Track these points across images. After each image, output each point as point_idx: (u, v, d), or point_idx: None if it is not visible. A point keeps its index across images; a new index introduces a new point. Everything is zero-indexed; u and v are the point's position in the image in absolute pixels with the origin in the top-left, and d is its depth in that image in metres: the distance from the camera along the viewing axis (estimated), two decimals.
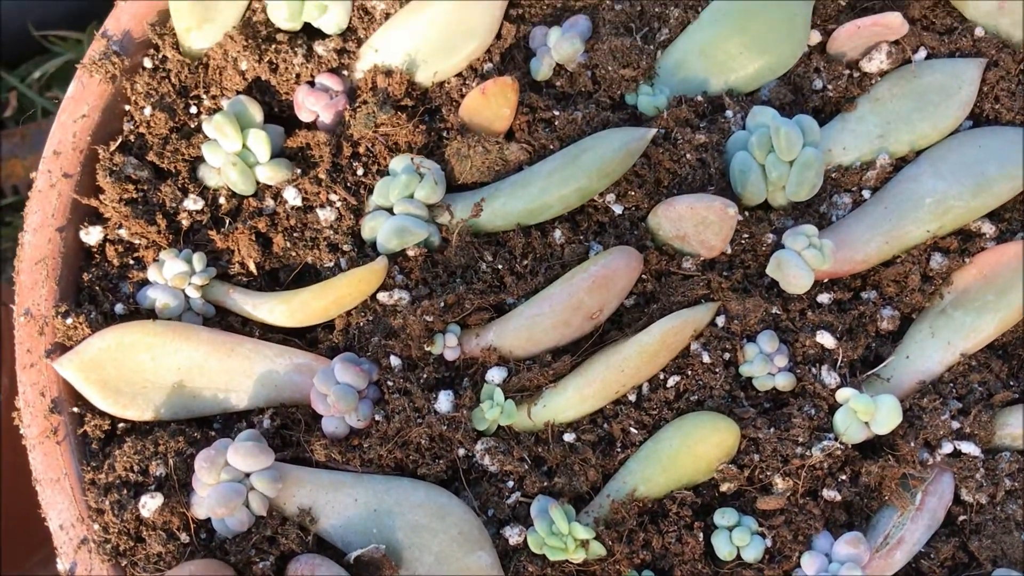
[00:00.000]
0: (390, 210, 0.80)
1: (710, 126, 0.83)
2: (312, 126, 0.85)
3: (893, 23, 0.83)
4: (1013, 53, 0.86)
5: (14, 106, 1.30)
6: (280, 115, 0.86)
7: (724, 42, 0.84)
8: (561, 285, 0.77)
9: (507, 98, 0.79)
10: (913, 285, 0.80)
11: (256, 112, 0.82)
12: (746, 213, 0.82)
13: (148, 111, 0.82)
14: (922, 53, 0.87)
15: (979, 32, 0.87)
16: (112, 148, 0.80)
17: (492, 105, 0.80)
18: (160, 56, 0.83)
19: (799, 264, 0.77)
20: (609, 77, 0.84)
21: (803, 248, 0.77)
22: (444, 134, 0.83)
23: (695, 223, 0.78)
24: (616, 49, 0.83)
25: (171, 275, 0.77)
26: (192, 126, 0.84)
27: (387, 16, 0.86)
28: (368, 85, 0.84)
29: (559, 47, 0.83)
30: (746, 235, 0.81)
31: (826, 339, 0.78)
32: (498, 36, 0.85)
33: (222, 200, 0.82)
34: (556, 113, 0.83)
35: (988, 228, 0.82)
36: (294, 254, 0.81)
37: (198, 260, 0.78)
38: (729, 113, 0.84)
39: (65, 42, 1.30)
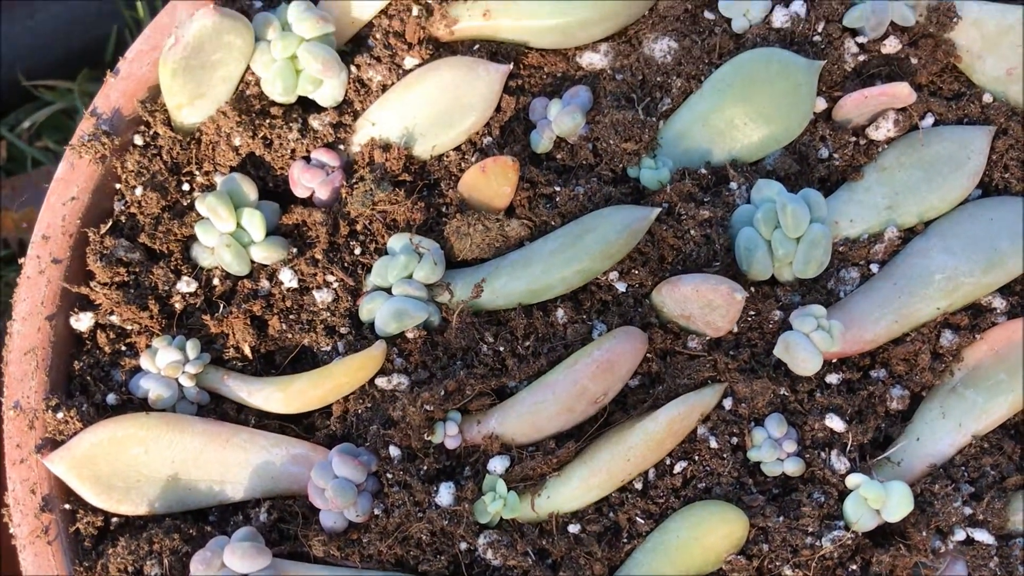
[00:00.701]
0: (388, 291, 0.78)
1: (714, 199, 0.81)
2: (308, 202, 0.83)
3: (901, 93, 0.81)
4: (1023, 121, 0.84)
5: (3, 157, 1.28)
6: (275, 190, 0.84)
7: (727, 112, 0.83)
8: (564, 371, 0.75)
9: (507, 177, 0.78)
10: (923, 364, 0.78)
11: (250, 190, 0.80)
12: (752, 289, 0.80)
13: (139, 191, 0.80)
14: (929, 120, 0.85)
15: (987, 98, 0.86)
16: (103, 231, 0.78)
17: (492, 183, 0.79)
18: (151, 133, 0.81)
19: (808, 347, 0.75)
20: (611, 150, 0.82)
21: (811, 330, 0.76)
22: (443, 210, 0.82)
23: (700, 305, 0.76)
24: (617, 122, 0.81)
25: (164, 364, 0.75)
26: (185, 204, 0.82)
27: (384, 88, 0.84)
28: (365, 160, 0.82)
29: (559, 121, 0.82)
30: (752, 312, 0.79)
31: (835, 423, 0.76)
32: (497, 109, 0.83)
33: (216, 281, 0.80)
34: (557, 189, 0.81)
35: (999, 303, 0.81)
36: (290, 337, 0.79)
37: (192, 347, 0.76)
38: (733, 185, 0.82)
39: (55, 91, 1.28)
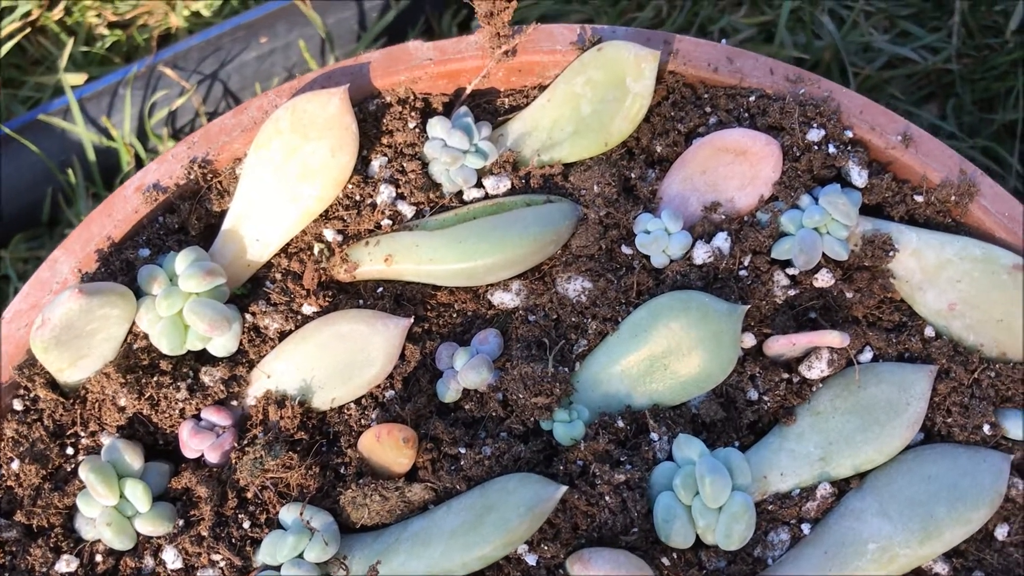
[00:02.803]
0: (279, 569, 0.73)
1: (632, 455, 0.76)
2: (200, 462, 0.78)
3: (832, 342, 0.76)
4: (966, 361, 0.78)
5: None
6: (167, 448, 0.79)
7: (645, 357, 0.77)
8: None
9: (401, 451, 0.73)
10: None
11: (134, 458, 0.75)
12: (674, 555, 0.74)
13: (16, 464, 0.75)
14: (868, 354, 0.80)
15: (930, 332, 0.80)
16: None
17: (387, 452, 0.73)
18: (31, 396, 0.77)
19: None
20: (521, 404, 0.76)
21: None
22: (342, 471, 0.76)
23: None
24: (526, 376, 0.76)
25: None
26: (68, 469, 0.77)
27: (281, 335, 0.79)
28: (259, 416, 0.77)
29: (464, 376, 0.76)
30: None
31: None
32: (402, 357, 0.78)
33: (99, 557, 0.75)
34: (462, 451, 0.75)
35: (942, 568, 0.75)
36: None
37: None
38: (654, 436, 0.76)
39: None
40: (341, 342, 0.76)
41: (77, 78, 1.32)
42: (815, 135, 0.80)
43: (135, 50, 1.42)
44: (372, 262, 0.79)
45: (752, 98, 0.81)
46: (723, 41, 0.83)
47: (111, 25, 1.43)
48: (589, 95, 0.81)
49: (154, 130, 1.28)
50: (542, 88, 0.84)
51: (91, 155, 1.26)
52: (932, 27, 1.41)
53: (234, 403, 0.78)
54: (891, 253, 0.79)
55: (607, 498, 0.74)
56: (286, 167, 0.78)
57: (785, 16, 1.32)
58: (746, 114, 0.82)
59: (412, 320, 0.76)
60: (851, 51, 1.39)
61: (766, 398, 0.79)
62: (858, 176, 0.80)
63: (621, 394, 0.78)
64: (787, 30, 1.37)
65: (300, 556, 0.72)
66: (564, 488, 0.72)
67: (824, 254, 0.79)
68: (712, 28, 1.39)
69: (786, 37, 1.35)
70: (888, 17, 1.40)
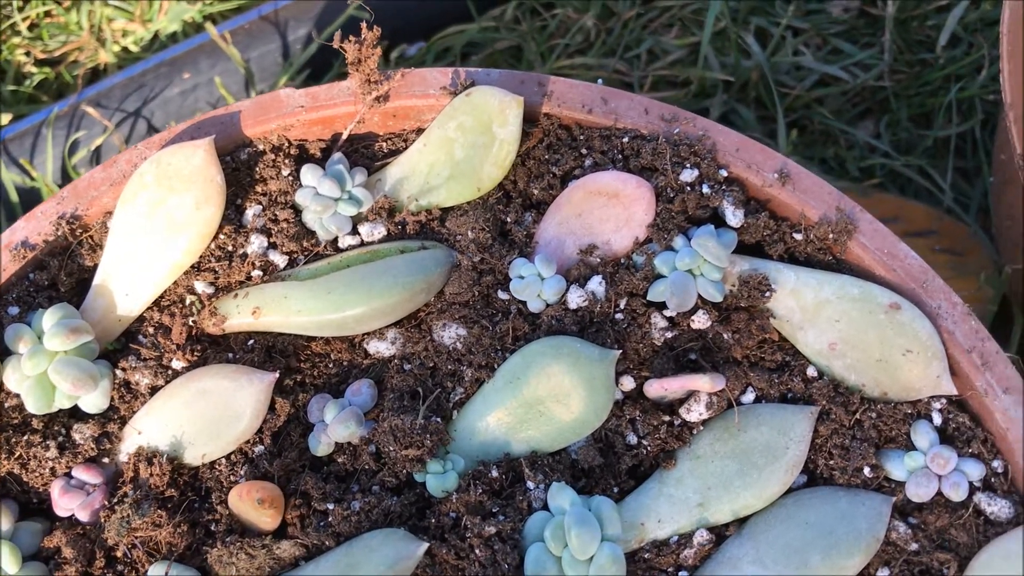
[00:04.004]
0: None
1: (506, 505, 0.75)
2: (72, 520, 0.77)
3: (703, 387, 0.75)
4: (846, 402, 0.77)
5: None
6: (41, 505, 0.78)
7: (520, 405, 0.76)
8: None
9: (259, 510, 0.72)
10: None
11: (4, 519, 0.75)
12: None
13: None
14: (750, 395, 0.78)
15: (812, 372, 0.79)
16: None
17: (251, 510, 0.73)
18: None
19: None
20: (392, 456, 0.75)
21: None
22: (212, 527, 0.76)
23: None
24: (396, 428, 0.75)
25: None
26: None
27: (152, 390, 0.78)
28: (130, 473, 0.76)
29: (334, 429, 0.75)
30: None
31: None
32: (272, 411, 0.77)
33: None
34: (330, 506, 0.75)
35: None
36: None
37: None
38: (530, 485, 0.75)
39: None
40: (206, 398, 0.75)
41: (1, 118, 1.32)
42: (688, 175, 0.79)
43: (65, 87, 1.42)
44: (240, 315, 0.78)
45: (626, 139, 0.80)
46: (598, 82, 0.82)
47: (40, 63, 1.42)
48: (461, 140, 0.80)
49: (76, 169, 1.28)
50: (420, 132, 0.84)
51: (14, 196, 1.26)
52: (864, 43, 1.40)
53: (106, 460, 0.78)
54: (767, 293, 0.78)
55: (477, 551, 0.73)
56: (153, 221, 0.78)
57: (707, 37, 1.31)
58: (620, 155, 0.80)
59: (277, 375, 0.75)
60: (781, 70, 1.38)
61: (646, 442, 0.77)
62: (732, 216, 0.79)
63: (499, 442, 0.77)
64: (715, 50, 1.36)
65: None
66: (426, 545, 0.71)
67: (700, 295, 0.78)
68: (639, 50, 1.38)
69: (712, 58, 1.34)
70: (819, 34, 1.39)
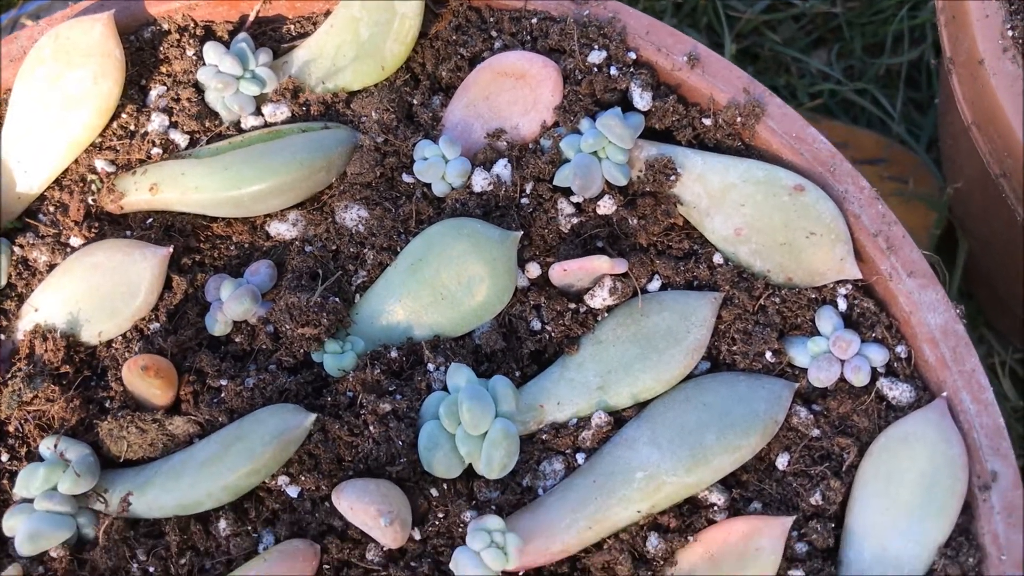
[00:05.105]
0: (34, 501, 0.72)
1: (404, 387, 0.74)
2: None
3: (601, 267, 0.74)
4: (750, 287, 0.76)
5: None
6: None
7: (422, 287, 0.75)
8: None
9: (146, 380, 0.71)
10: (624, 573, 0.70)
11: None
12: (444, 486, 0.73)
13: None
14: (656, 283, 0.77)
15: (718, 259, 0.77)
16: None
17: (138, 383, 0.72)
18: None
19: (477, 568, 0.67)
20: (289, 335, 0.74)
21: (483, 548, 0.68)
22: (107, 404, 0.75)
23: (362, 520, 0.68)
24: (292, 306, 0.74)
25: None
26: None
27: (50, 268, 0.77)
28: (26, 350, 0.75)
29: (229, 307, 0.74)
30: (441, 514, 0.71)
31: None
32: (168, 288, 0.76)
33: None
34: (224, 383, 0.74)
35: (717, 497, 0.72)
36: None
37: None
38: (431, 367, 0.75)
39: None
40: (100, 272, 0.74)
41: None
42: (597, 57, 0.77)
43: (6, 3, 1.40)
44: (138, 192, 0.77)
45: (535, 20, 0.79)
46: None
47: None
48: (367, 19, 0.78)
49: None
50: (329, 14, 0.82)
51: None
52: None
53: (2, 337, 0.77)
54: (672, 177, 0.77)
55: (371, 428, 0.72)
56: (50, 96, 0.76)
57: None
58: (529, 37, 0.79)
59: (171, 249, 0.74)
60: None
61: (550, 328, 0.76)
62: (640, 99, 0.77)
63: (402, 326, 0.76)
64: None
65: (55, 488, 0.71)
66: (314, 416, 0.70)
67: (606, 180, 0.77)
68: None
69: None
70: None
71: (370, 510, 0.67)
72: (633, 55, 0.78)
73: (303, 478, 0.71)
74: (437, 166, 0.77)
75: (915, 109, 1.34)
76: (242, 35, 0.80)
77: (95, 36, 0.76)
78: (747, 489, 0.73)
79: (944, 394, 0.72)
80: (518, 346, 0.77)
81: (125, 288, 0.74)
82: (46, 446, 0.72)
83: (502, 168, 0.77)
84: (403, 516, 0.69)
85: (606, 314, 0.77)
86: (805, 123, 0.76)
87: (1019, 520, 0.68)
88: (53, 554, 0.71)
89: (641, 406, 0.75)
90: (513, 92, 0.78)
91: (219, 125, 0.80)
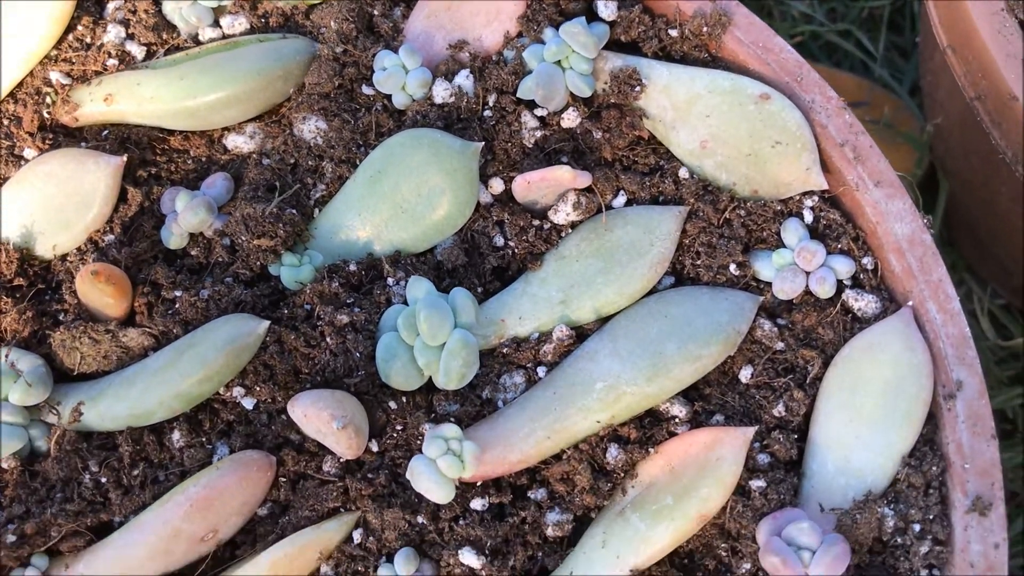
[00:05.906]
0: None
1: (363, 300, 0.72)
2: None
3: (563, 178, 0.72)
4: (715, 200, 0.74)
5: None
6: None
7: (383, 201, 0.74)
8: (156, 510, 0.67)
9: (101, 288, 0.70)
10: (583, 484, 0.69)
11: None
12: (402, 399, 0.72)
13: None
14: (621, 199, 0.76)
15: (684, 173, 0.76)
16: None
17: (93, 293, 0.70)
18: None
19: (433, 476, 0.66)
20: (245, 247, 0.73)
21: (439, 455, 0.67)
22: (61, 317, 0.74)
23: (316, 428, 0.67)
24: (248, 217, 0.72)
25: None
26: None
27: (4, 181, 0.76)
28: None
29: (184, 218, 0.73)
30: (399, 427, 0.70)
31: (470, 558, 0.67)
32: (124, 200, 0.75)
33: None
34: (179, 294, 0.72)
35: (679, 410, 0.71)
36: None
37: None
38: (391, 281, 0.73)
39: None
40: (54, 182, 0.73)
41: None
42: None
43: None
44: (93, 102, 0.75)
45: None
46: None
47: None
48: None
49: None
50: None
51: None
52: None
53: None
54: (637, 88, 0.75)
55: (328, 339, 0.71)
56: (4, 6, 0.75)
57: None
58: None
59: (125, 158, 0.73)
60: None
61: (513, 243, 0.75)
62: (605, 8, 0.76)
63: (362, 241, 0.75)
64: None
65: (6, 399, 0.70)
66: (267, 323, 0.69)
67: (570, 92, 0.75)
68: None
69: None
70: None
71: (323, 415, 0.66)
72: None
73: (258, 389, 0.70)
74: (397, 76, 0.75)
75: (898, 55, 1.32)
76: None
77: None
78: (709, 402, 0.72)
79: (910, 303, 0.70)
80: (480, 262, 0.75)
81: (79, 198, 0.73)
82: None
83: (464, 79, 0.75)
84: (358, 423, 0.68)
85: (570, 230, 0.76)
86: (772, 33, 0.75)
87: (984, 429, 0.67)
88: (4, 465, 0.70)
89: (604, 320, 0.73)
90: (476, 2, 0.76)
91: (176, 37, 0.78)
